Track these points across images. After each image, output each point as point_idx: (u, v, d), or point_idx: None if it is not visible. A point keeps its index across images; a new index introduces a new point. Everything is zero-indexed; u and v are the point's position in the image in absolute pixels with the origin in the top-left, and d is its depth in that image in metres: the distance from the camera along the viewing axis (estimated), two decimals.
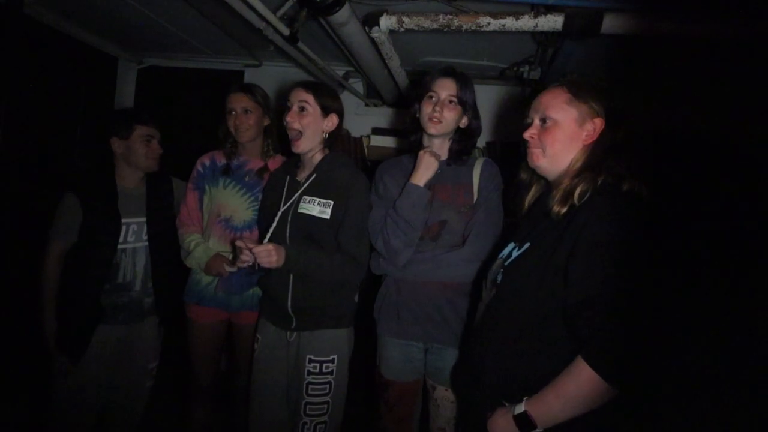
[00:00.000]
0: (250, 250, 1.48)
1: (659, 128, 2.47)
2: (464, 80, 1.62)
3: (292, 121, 1.62)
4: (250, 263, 1.52)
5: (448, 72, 1.63)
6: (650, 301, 1.01)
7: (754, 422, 1.56)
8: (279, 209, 1.67)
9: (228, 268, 1.84)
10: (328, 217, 1.61)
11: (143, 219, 1.94)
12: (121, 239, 1.88)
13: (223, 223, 1.97)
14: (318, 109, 1.64)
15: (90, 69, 2.77)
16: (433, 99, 1.61)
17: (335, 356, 1.65)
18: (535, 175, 1.28)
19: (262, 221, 1.80)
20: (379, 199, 1.70)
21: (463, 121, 1.65)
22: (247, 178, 2.00)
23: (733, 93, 2.40)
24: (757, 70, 2.07)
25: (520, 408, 1.06)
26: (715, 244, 2.19)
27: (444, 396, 1.64)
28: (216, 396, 2.11)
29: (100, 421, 1.93)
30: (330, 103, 1.67)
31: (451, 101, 1.60)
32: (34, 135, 2.45)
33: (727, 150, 2.34)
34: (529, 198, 1.30)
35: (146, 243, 1.94)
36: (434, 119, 1.60)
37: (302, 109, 1.63)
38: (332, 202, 1.61)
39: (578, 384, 1.00)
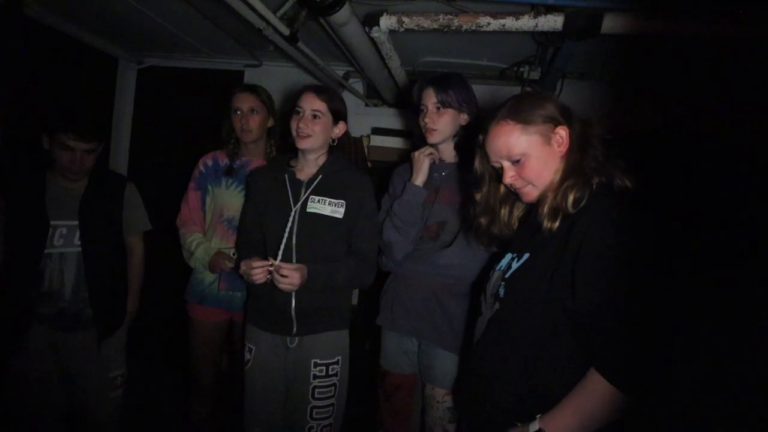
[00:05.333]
0: (271, 267, 1.49)
1: (659, 128, 2.47)
2: (444, 83, 1.63)
3: (305, 127, 1.61)
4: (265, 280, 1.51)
5: (429, 81, 1.66)
6: (660, 305, 1.00)
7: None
8: (291, 208, 1.63)
9: (229, 264, 1.85)
10: (341, 216, 1.62)
11: (75, 222, 1.78)
12: (47, 243, 1.72)
13: (225, 223, 1.98)
14: (330, 117, 1.65)
15: (90, 69, 2.77)
16: (424, 111, 1.66)
17: (339, 357, 1.66)
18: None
19: (267, 219, 1.68)
20: (388, 198, 1.77)
21: (462, 118, 1.66)
22: None
23: (733, 93, 2.40)
24: (757, 70, 2.07)
25: (534, 426, 1.02)
26: (717, 244, 2.19)
27: (430, 394, 1.65)
28: (216, 396, 2.11)
29: None
30: (341, 110, 1.68)
31: (438, 108, 1.63)
32: (34, 136, 2.44)
33: (727, 150, 2.33)
34: (518, 213, 1.26)
35: (78, 249, 1.78)
36: (429, 130, 1.64)
37: (315, 116, 1.62)
38: (344, 202, 1.63)
39: (594, 397, 0.98)
